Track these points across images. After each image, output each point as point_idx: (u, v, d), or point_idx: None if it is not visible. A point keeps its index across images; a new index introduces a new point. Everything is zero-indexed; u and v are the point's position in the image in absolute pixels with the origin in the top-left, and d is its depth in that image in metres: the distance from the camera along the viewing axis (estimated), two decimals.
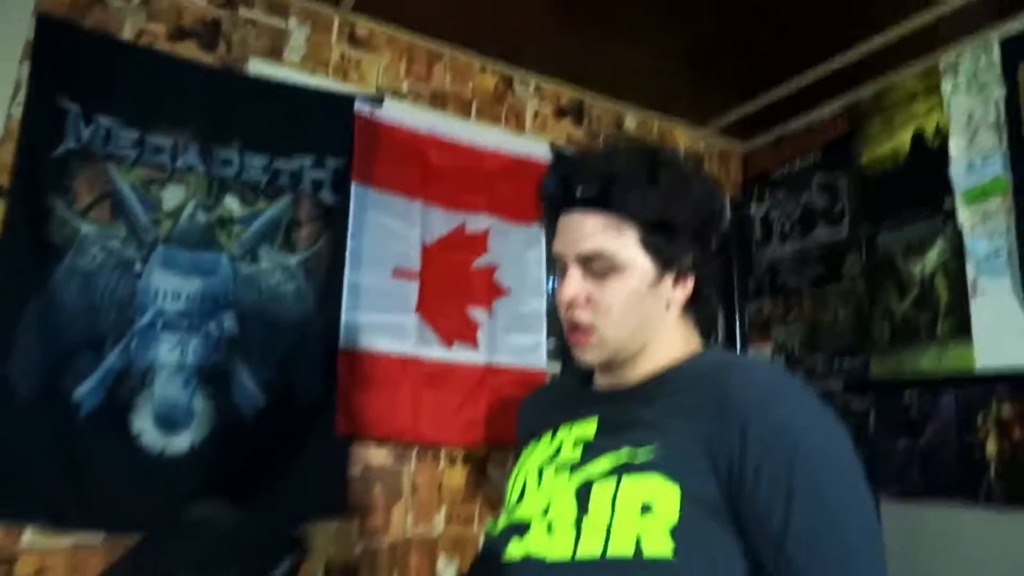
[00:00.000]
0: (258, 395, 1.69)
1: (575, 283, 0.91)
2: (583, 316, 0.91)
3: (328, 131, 1.87)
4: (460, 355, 1.97)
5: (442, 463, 1.96)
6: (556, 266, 0.96)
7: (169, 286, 1.64)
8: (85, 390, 1.53)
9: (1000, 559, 1.69)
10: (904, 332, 1.96)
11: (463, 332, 2.00)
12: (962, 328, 1.79)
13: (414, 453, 1.92)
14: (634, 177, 0.89)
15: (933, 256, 1.88)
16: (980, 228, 1.76)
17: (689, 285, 0.94)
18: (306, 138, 1.85)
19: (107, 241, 1.60)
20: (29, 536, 1.49)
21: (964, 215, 1.79)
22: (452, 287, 2.00)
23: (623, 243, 0.89)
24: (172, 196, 1.69)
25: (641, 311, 0.91)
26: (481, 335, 2.01)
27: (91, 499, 1.51)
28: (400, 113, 2.00)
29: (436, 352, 1.94)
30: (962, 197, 1.80)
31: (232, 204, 1.75)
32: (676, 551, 0.77)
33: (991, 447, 1.75)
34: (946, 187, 1.85)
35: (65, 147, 1.58)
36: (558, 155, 0.94)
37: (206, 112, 1.74)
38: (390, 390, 1.85)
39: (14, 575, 1.48)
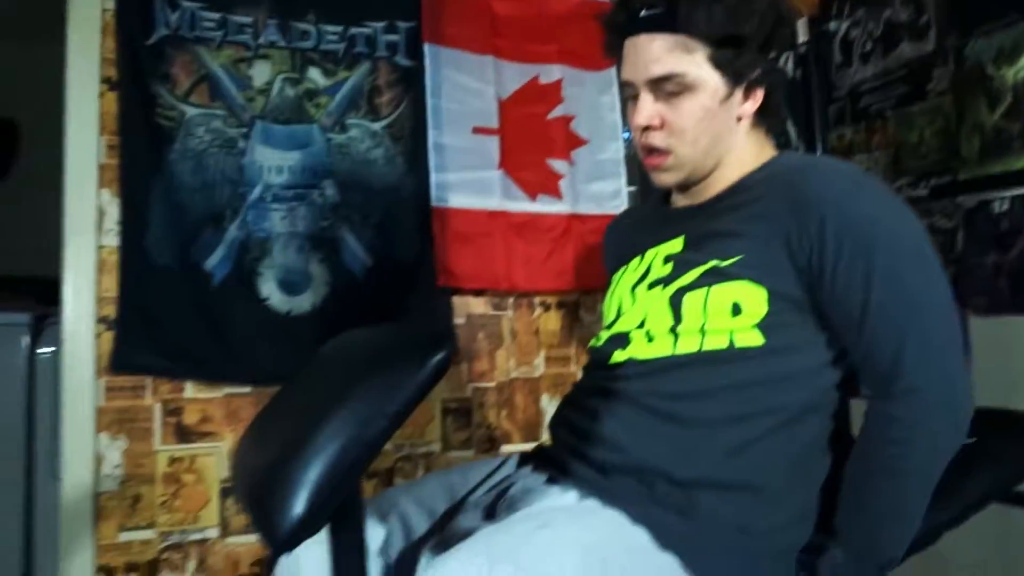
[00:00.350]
0: (364, 256, 1.82)
1: (647, 107, 0.92)
2: (657, 139, 0.94)
3: None
4: (545, 206, 2.04)
5: (537, 310, 2.08)
6: (625, 93, 0.98)
7: (271, 161, 1.75)
8: (215, 261, 1.69)
9: None
10: (995, 144, 1.91)
11: (546, 184, 2.06)
12: None
13: (511, 302, 2.05)
14: None
15: None
16: None
17: (759, 96, 0.95)
18: (375, 4, 1.87)
19: (210, 122, 1.70)
20: (190, 390, 1.71)
21: None
22: (531, 140, 2.04)
23: (692, 62, 0.89)
24: (260, 73, 1.76)
25: (714, 128, 0.93)
26: (563, 185, 2.06)
27: (234, 356, 1.71)
28: None
29: (522, 205, 2.02)
30: None
31: (315, 75, 1.81)
32: (765, 340, 0.85)
33: None
34: None
35: (158, 34, 1.66)
36: None
37: None
38: (482, 244, 1.96)
39: (184, 424, 1.71)
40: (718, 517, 0.80)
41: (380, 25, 1.87)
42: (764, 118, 0.98)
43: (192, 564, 1.70)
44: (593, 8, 2.07)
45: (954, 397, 0.81)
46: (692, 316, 0.88)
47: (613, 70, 2.07)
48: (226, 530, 1.73)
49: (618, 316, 1.00)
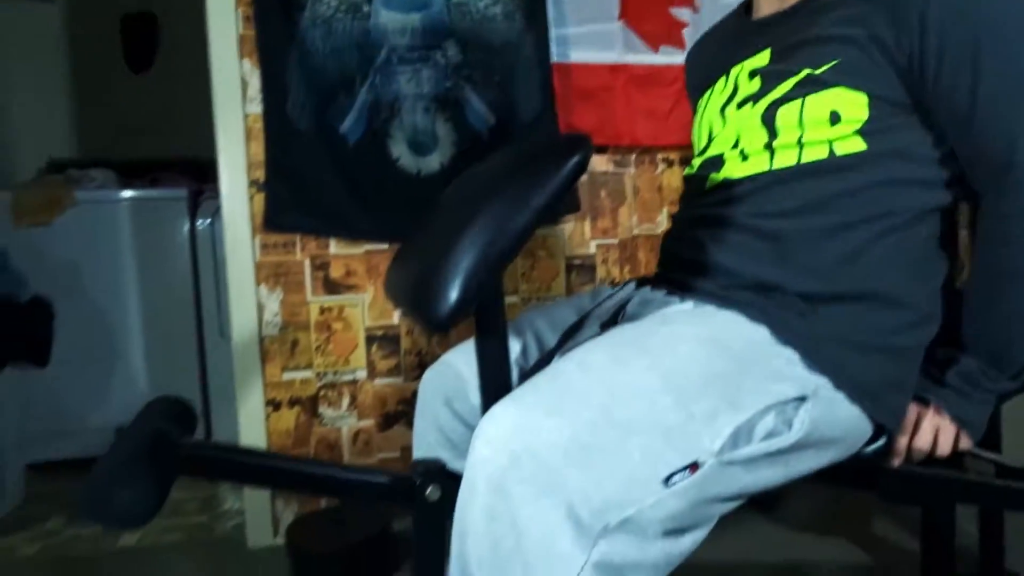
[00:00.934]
0: (488, 114, 1.86)
1: None
2: None
3: None
4: (668, 58, 1.98)
5: (660, 166, 2.07)
6: None
7: (395, 23, 1.79)
8: (349, 124, 1.78)
9: None
10: None
11: (669, 34, 1.99)
12: None
13: (633, 158, 2.04)
14: None
15: None
16: None
17: None
18: None
19: None
20: (334, 247, 1.86)
21: None
22: None
23: None
24: None
25: None
26: (687, 34, 1.99)
27: (370, 215, 1.82)
28: None
29: (644, 57, 1.97)
30: None
31: None
32: (868, 146, 0.82)
33: None
34: None
35: None
36: None
37: None
38: (604, 98, 1.94)
39: (330, 277, 1.87)
40: (840, 322, 0.80)
41: None
42: None
43: (346, 401, 1.90)
44: None
45: None
46: (788, 130, 0.86)
47: None
48: (373, 372, 1.91)
49: (710, 141, 0.98)
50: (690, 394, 0.69)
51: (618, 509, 0.63)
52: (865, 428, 0.82)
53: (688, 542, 0.69)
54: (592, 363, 0.71)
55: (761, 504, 2.00)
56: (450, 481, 0.84)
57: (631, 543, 0.64)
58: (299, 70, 1.74)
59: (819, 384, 0.76)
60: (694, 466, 0.67)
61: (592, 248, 2.03)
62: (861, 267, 0.83)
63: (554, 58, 1.89)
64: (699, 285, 0.88)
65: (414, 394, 1.06)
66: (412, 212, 1.80)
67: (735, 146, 0.92)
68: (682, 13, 1.99)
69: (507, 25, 1.86)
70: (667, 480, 0.65)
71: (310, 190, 1.77)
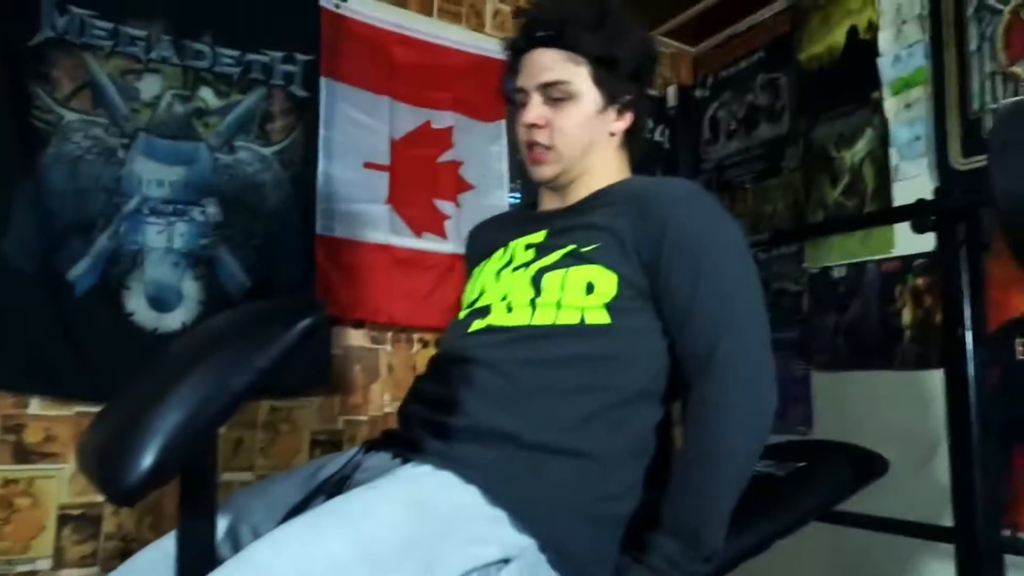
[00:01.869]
0: (243, 277, 1.79)
1: (536, 108, 1.07)
2: (542, 137, 1.08)
3: (296, 26, 1.92)
4: (430, 244, 2.09)
5: (416, 345, 2.10)
6: (516, 101, 1.12)
7: (152, 174, 1.72)
8: (80, 271, 1.61)
9: (912, 414, 1.92)
10: (835, 218, 2.15)
11: (432, 223, 2.12)
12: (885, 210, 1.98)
13: (389, 336, 2.06)
14: (585, 19, 1.05)
15: (862, 145, 2.06)
16: (904, 115, 1.93)
17: (628, 119, 1.11)
18: (274, 32, 1.90)
19: (90, 129, 1.65)
20: (35, 406, 1.60)
21: (890, 104, 1.96)
22: (420, 180, 2.10)
23: (577, 74, 1.06)
24: (149, 87, 1.74)
25: (589, 134, 1.09)
26: (448, 226, 2.13)
27: (91, 371, 1.61)
28: (364, 7, 2.06)
29: (407, 241, 2.06)
30: (888, 88, 1.97)
31: (207, 95, 1.80)
32: (612, 320, 0.95)
33: (906, 316, 1.97)
34: (875, 80, 2.01)
35: (42, 35, 1.61)
36: (518, 9, 1.12)
37: (177, 4, 1.77)
38: (365, 275, 1.98)
39: (24, 443, 1.59)
40: (557, 480, 0.84)
41: (278, 55, 1.90)
42: (630, 141, 1.15)
43: None
44: (488, 65, 2.21)
45: (759, 381, 0.92)
46: (550, 291, 0.97)
47: (503, 122, 2.20)
48: (60, 561, 1.59)
49: (480, 295, 1.08)
50: (386, 561, 0.67)
51: None
52: None
53: None
54: (285, 539, 0.67)
55: None
56: None
57: None
58: (30, 208, 1.56)
59: (524, 546, 0.78)
60: None
61: (340, 424, 1.96)
62: (591, 430, 0.89)
63: (320, 231, 1.91)
64: (423, 443, 0.88)
65: None
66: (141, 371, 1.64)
67: (503, 299, 1.01)
68: (445, 206, 2.14)
69: (274, 193, 1.87)
70: None
71: (18, 338, 1.54)
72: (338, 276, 1.93)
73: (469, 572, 0.72)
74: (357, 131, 2.00)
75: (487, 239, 1.20)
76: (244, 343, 0.66)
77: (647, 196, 1.01)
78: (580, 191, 1.10)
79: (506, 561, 0.76)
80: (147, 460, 0.59)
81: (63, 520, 1.61)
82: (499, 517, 0.78)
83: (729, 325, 0.92)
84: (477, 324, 1.01)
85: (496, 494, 0.79)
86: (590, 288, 0.96)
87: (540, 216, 1.15)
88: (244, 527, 0.90)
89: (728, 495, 0.89)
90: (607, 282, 0.96)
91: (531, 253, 1.04)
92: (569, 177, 1.11)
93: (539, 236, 1.06)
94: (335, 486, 0.87)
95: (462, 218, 2.15)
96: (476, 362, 0.94)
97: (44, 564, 1.58)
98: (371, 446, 0.98)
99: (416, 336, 2.10)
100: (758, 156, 2.43)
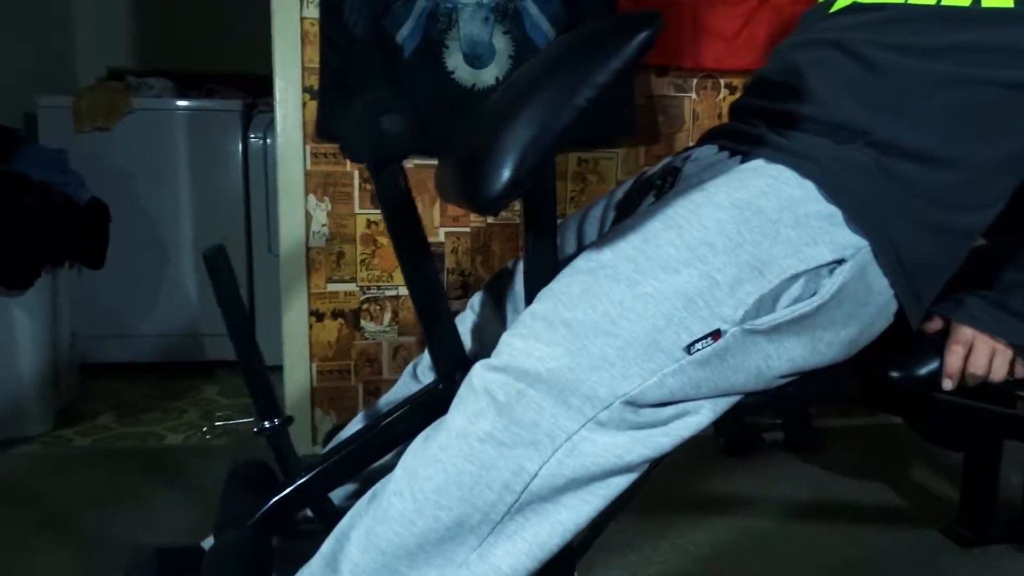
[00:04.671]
0: (548, 29, 1.79)
1: None
2: None
3: None
4: None
5: (722, 91, 1.98)
6: None
7: None
8: (405, 32, 1.74)
9: None
10: None
11: None
12: None
13: (694, 83, 1.96)
14: None
15: None
16: None
17: None
18: None
19: None
20: None
21: None
22: None
23: None
24: None
25: None
26: None
27: (420, 127, 1.78)
28: None
29: None
30: None
31: None
32: (1016, 4, 0.75)
33: None
34: None
35: None
36: None
37: None
38: (668, 15, 1.85)
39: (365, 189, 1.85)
40: (907, 182, 0.74)
41: None
42: None
43: (388, 316, 1.91)
44: None
45: None
46: None
47: None
48: None
49: None
50: (715, 263, 0.66)
51: (639, 377, 0.63)
52: (889, 310, 0.77)
53: (697, 421, 0.68)
54: (622, 240, 0.69)
55: (804, 447, 1.97)
56: None
57: (645, 413, 0.63)
58: None
59: (858, 247, 0.71)
60: (716, 334, 0.65)
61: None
62: (957, 131, 0.76)
63: None
64: (758, 134, 0.82)
65: (455, 314, 1.05)
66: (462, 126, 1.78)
67: None
68: None
69: None
70: (689, 348, 0.64)
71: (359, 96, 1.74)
72: None
73: (798, 275, 0.68)
74: None
75: None
76: (583, 60, 0.65)
77: None
78: None
79: (837, 263, 0.70)
80: (507, 172, 0.64)
81: None
82: (834, 216, 0.71)
83: None
84: (839, 4, 0.86)
85: (834, 190, 0.72)
86: None
87: None
88: (569, 239, 0.98)
89: None
90: None
91: None
92: None
93: None
94: (662, 180, 0.87)
95: None
96: (834, 45, 0.82)
97: (404, 290, 1.90)
98: (700, 140, 0.96)
99: (723, 81, 1.97)
100: None
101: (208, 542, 0.92)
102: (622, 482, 0.65)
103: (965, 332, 0.82)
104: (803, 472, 1.86)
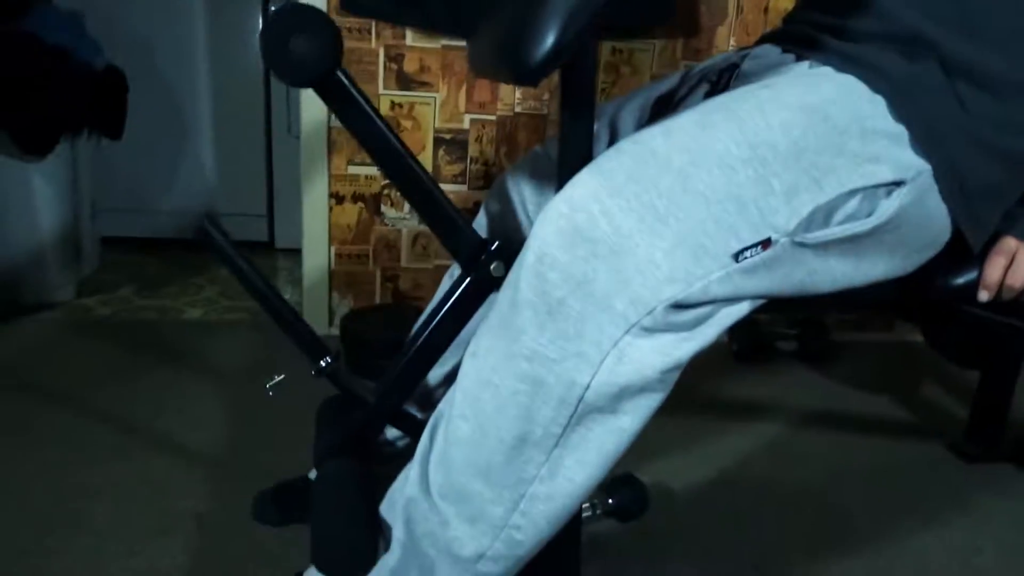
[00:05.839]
0: None
1: None
2: None
3: None
4: None
5: None
6: None
7: None
8: None
9: None
10: None
11: None
12: None
13: None
14: None
15: None
16: None
17: None
18: None
19: None
20: (410, 38, 1.76)
21: None
22: None
23: None
24: None
25: None
26: None
27: (453, 8, 1.70)
28: None
29: None
30: None
31: None
32: None
33: None
34: None
35: None
36: None
37: None
38: None
39: (403, 70, 1.78)
40: (976, 103, 0.71)
41: None
42: None
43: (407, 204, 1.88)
44: None
45: None
46: None
47: None
48: (438, 177, 1.86)
49: None
50: (774, 167, 0.63)
51: (684, 282, 0.60)
52: (944, 236, 0.75)
53: (739, 310, 0.65)
54: (678, 128, 0.65)
55: (818, 358, 1.98)
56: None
57: (688, 314, 0.61)
58: None
59: (920, 171, 0.69)
60: (767, 243, 0.63)
61: (680, 68, 1.88)
62: None
63: None
64: (824, 40, 0.78)
65: (476, 204, 1.03)
66: None
67: None
68: None
69: None
70: (737, 256, 0.62)
71: None
72: None
73: (856, 191, 0.66)
74: None
75: None
76: None
77: None
78: None
79: (896, 184, 0.68)
80: (551, 37, 0.60)
81: (437, 143, 1.84)
82: (900, 135, 0.68)
83: None
84: None
85: (904, 108, 0.68)
86: None
87: None
88: (603, 125, 0.94)
89: None
90: None
91: None
92: None
93: None
94: (718, 76, 0.83)
95: None
96: None
97: None
98: (764, 39, 0.90)
99: None
100: None
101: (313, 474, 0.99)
102: (674, 377, 0.64)
103: (1009, 243, 0.80)
104: (816, 382, 1.87)
